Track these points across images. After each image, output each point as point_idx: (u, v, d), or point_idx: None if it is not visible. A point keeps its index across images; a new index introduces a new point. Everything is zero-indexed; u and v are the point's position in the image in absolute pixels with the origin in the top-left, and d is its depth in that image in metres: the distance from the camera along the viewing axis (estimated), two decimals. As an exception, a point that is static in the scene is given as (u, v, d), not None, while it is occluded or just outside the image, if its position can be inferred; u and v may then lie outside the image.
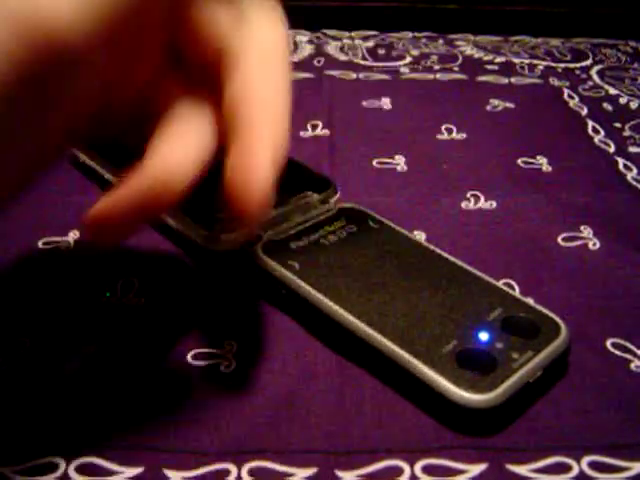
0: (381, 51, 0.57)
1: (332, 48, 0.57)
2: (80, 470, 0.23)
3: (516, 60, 0.56)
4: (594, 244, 0.34)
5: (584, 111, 0.48)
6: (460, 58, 0.56)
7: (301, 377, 0.27)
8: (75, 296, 0.30)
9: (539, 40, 0.60)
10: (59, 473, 0.23)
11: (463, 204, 0.37)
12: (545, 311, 0.28)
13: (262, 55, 0.22)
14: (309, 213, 0.33)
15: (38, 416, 0.25)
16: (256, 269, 0.30)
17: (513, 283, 0.32)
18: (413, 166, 0.41)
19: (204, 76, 0.22)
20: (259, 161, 0.20)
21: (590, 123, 0.46)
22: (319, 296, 0.28)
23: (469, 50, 0.57)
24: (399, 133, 0.44)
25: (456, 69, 0.54)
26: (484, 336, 0.26)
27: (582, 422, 0.25)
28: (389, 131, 0.45)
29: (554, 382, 0.27)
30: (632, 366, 0.28)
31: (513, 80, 0.52)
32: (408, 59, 0.56)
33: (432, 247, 0.31)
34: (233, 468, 0.23)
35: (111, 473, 0.23)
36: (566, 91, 0.51)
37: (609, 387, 0.27)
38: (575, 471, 0.24)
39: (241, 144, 0.21)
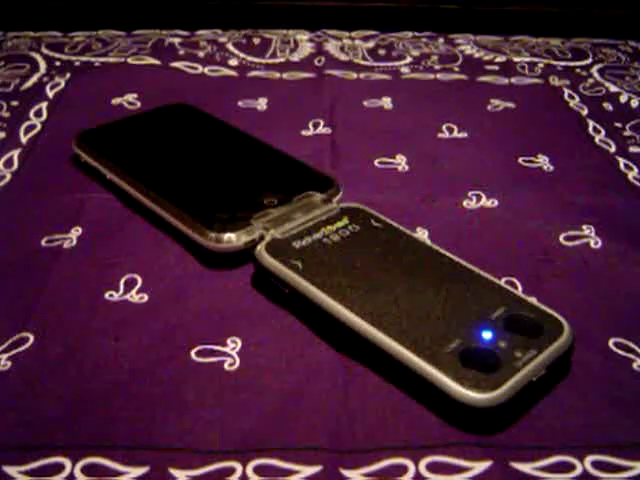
0: (381, 51, 0.57)
1: (332, 48, 0.57)
2: (86, 470, 0.23)
3: (516, 59, 0.56)
4: (596, 243, 0.35)
5: (585, 111, 0.48)
6: (460, 58, 0.56)
7: (305, 375, 0.27)
8: (78, 293, 0.30)
9: (539, 40, 0.60)
10: (65, 474, 0.23)
11: (465, 203, 0.37)
12: (548, 310, 0.28)
13: None
14: (312, 212, 0.33)
15: (43, 416, 0.25)
16: (259, 268, 0.30)
17: (515, 282, 0.32)
18: (414, 165, 0.41)
19: None
20: None
21: (591, 123, 0.46)
22: (322, 295, 0.28)
23: (469, 50, 0.57)
24: (400, 133, 0.45)
25: (456, 69, 0.54)
26: (487, 335, 0.26)
27: (585, 421, 0.25)
28: (390, 131, 0.45)
29: (557, 381, 0.27)
30: (635, 365, 0.28)
31: (513, 80, 0.52)
32: (408, 59, 0.56)
33: (435, 246, 0.31)
34: (238, 466, 0.23)
35: (117, 473, 0.23)
36: (566, 91, 0.51)
37: (612, 386, 0.27)
38: (578, 470, 0.24)
39: None
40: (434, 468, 0.24)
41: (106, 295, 0.30)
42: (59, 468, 0.23)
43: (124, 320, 0.29)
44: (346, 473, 0.23)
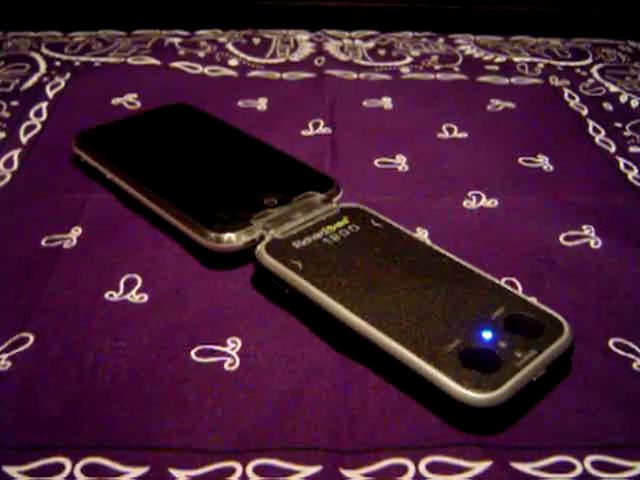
0: (381, 51, 0.57)
1: (332, 48, 0.57)
2: (86, 471, 0.23)
3: (516, 59, 0.56)
4: (596, 243, 0.35)
5: (585, 111, 0.48)
6: (460, 58, 0.56)
7: (305, 376, 0.27)
8: (78, 293, 0.30)
9: (539, 40, 0.60)
10: (65, 474, 0.23)
11: (465, 203, 0.37)
12: (548, 310, 0.28)
13: None
14: (312, 212, 0.33)
15: (43, 416, 0.25)
16: (259, 268, 0.30)
17: (515, 282, 0.32)
18: (414, 165, 0.41)
19: None
20: None
21: (591, 123, 0.46)
22: (322, 295, 0.28)
23: (469, 50, 0.57)
24: (400, 133, 0.45)
25: (456, 69, 0.54)
26: (487, 335, 0.26)
27: (585, 421, 0.25)
28: (390, 131, 0.45)
29: (557, 381, 0.27)
30: (635, 365, 0.28)
31: (513, 80, 0.52)
32: (408, 59, 0.56)
33: (435, 246, 0.31)
34: (238, 466, 0.23)
35: (117, 474, 0.23)
36: (566, 91, 0.51)
37: (612, 386, 0.27)
38: (578, 470, 0.24)
39: None
40: (434, 468, 0.24)
41: (106, 295, 0.30)
42: (59, 468, 0.23)
43: (124, 320, 0.29)
44: (346, 473, 0.23)
